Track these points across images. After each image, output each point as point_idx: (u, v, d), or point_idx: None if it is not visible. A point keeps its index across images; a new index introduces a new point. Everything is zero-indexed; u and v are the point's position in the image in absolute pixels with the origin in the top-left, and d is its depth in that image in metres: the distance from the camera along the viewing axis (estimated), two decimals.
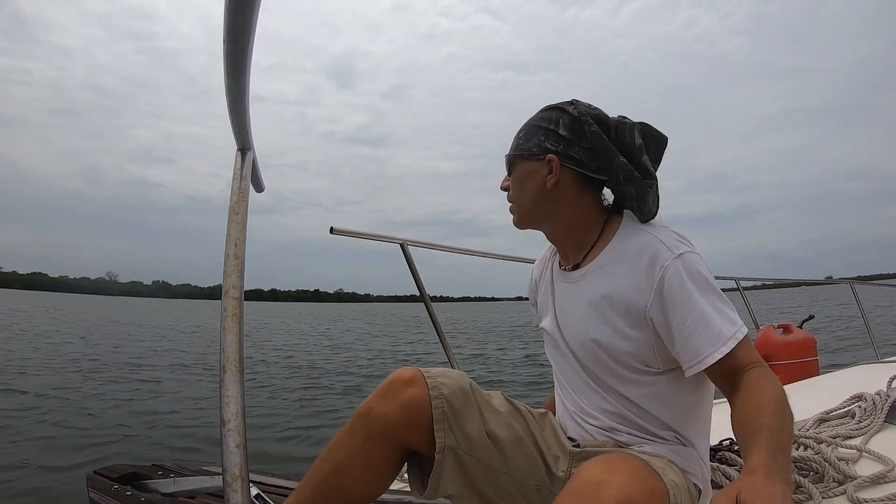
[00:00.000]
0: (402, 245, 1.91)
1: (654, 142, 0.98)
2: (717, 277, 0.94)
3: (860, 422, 1.65)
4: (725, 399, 0.88)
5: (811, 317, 4.59)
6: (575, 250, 1.04)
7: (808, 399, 2.05)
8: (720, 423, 1.07)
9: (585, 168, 0.97)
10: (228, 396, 0.58)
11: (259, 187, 0.90)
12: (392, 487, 1.62)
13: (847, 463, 1.33)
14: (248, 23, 0.54)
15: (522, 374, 9.26)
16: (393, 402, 0.92)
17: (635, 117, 1.00)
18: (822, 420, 1.69)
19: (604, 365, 0.97)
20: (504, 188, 1.08)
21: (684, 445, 0.97)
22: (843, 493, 1.16)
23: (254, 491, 1.38)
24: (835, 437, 1.49)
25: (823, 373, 3.20)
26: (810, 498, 1.13)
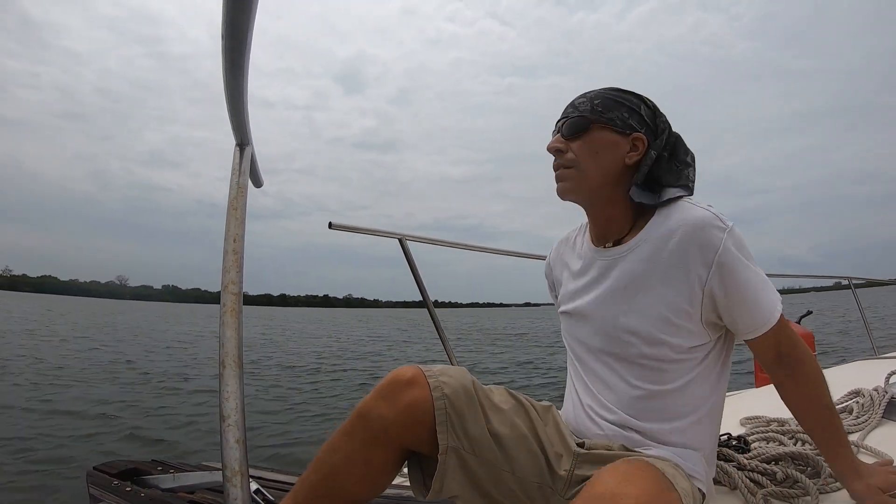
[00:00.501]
0: (400, 240, 1.91)
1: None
2: None
3: (858, 417, 1.66)
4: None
5: (809, 312, 4.60)
6: (617, 230, 1.02)
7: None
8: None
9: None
10: (228, 392, 0.58)
11: (258, 182, 0.90)
12: (392, 484, 1.62)
13: None
14: (247, 18, 0.54)
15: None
16: (393, 403, 0.91)
17: None
18: None
19: (635, 349, 0.95)
20: (555, 149, 1.01)
21: (693, 449, 0.96)
22: (839, 489, 1.16)
23: (253, 486, 1.38)
24: None
25: (821, 368, 3.20)
26: (807, 493, 1.14)
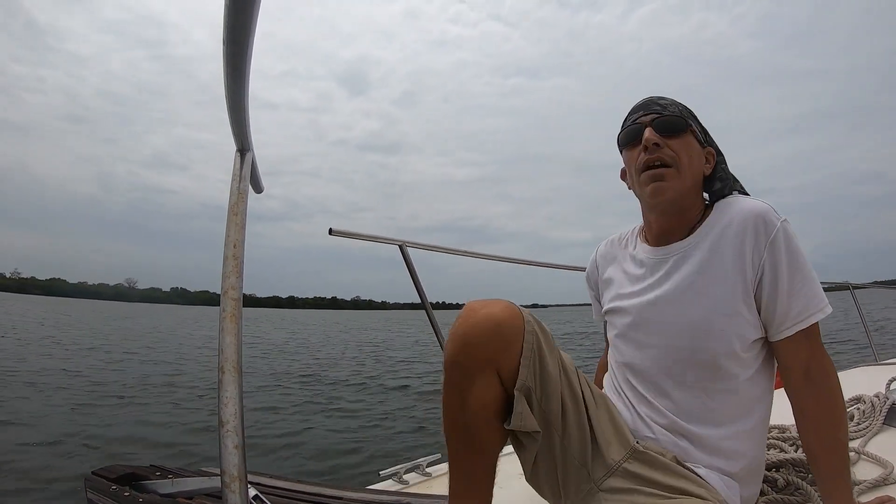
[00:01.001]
0: (400, 247, 1.91)
1: None
2: None
3: (859, 424, 1.65)
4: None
5: None
6: (680, 232, 1.03)
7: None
8: None
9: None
10: (227, 397, 0.58)
11: (258, 188, 0.90)
12: (390, 489, 1.62)
13: None
14: (248, 24, 0.54)
15: None
16: (489, 316, 0.87)
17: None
18: None
19: (698, 343, 0.94)
20: (655, 143, 0.97)
21: (743, 460, 0.94)
22: None
23: (252, 492, 1.38)
24: None
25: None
26: (808, 500, 1.13)
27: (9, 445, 4.57)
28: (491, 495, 0.95)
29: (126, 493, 1.42)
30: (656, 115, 0.99)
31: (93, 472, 1.56)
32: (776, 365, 0.99)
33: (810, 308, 0.91)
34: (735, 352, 0.93)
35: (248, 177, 0.78)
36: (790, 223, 0.92)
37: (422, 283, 1.95)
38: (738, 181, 1.06)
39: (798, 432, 0.96)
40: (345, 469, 4.36)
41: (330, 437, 5.40)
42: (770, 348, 0.97)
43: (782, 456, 1.27)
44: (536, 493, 1.02)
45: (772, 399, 1.00)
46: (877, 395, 1.79)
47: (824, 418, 0.92)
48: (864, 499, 1.16)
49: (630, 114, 1.05)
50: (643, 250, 1.08)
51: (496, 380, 0.89)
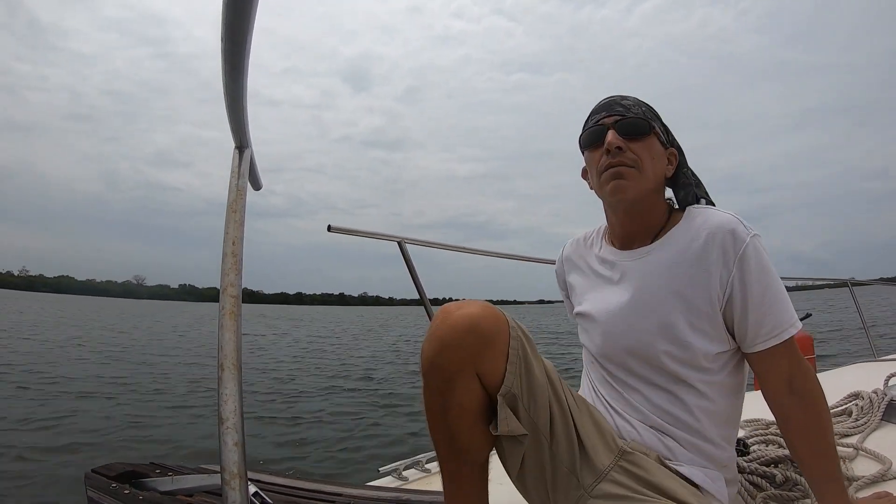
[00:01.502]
0: (399, 243, 1.91)
1: None
2: None
3: (857, 420, 1.66)
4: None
5: (809, 315, 4.59)
6: (647, 236, 1.02)
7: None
8: None
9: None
10: (226, 394, 0.58)
11: (257, 185, 0.90)
12: (390, 486, 1.62)
13: (844, 461, 1.33)
14: (246, 21, 0.54)
15: None
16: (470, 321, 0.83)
17: None
18: None
19: (661, 351, 0.93)
20: (617, 147, 0.96)
21: (719, 461, 0.95)
22: None
23: (252, 489, 1.38)
24: None
25: (820, 371, 3.21)
26: (806, 496, 1.14)
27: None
28: (486, 494, 0.95)
29: (126, 491, 1.42)
30: (619, 117, 0.98)
31: (93, 470, 1.56)
32: (748, 370, 1.00)
33: (782, 324, 0.90)
34: (696, 361, 0.93)
35: (247, 174, 0.77)
36: (760, 237, 0.91)
37: (421, 280, 1.95)
38: (701, 185, 1.05)
39: (785, 441, 0.96)
40: None
41: None
42: (740, 356, 0.97)
43: (780, 452, 1.28)
44: None
45: (743, 398, 1.01)
46: (875, 392, 1.80)
47: (811, 427, 0.92)
48: (862, 494, 1.16)
49: (592, 114, 1.03)
50: (608, 252, 1.07)
51: (477, 383, 0.86)
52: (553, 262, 1.28)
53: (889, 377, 1.89)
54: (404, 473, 1.72)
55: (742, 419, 1.74)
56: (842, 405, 1.81)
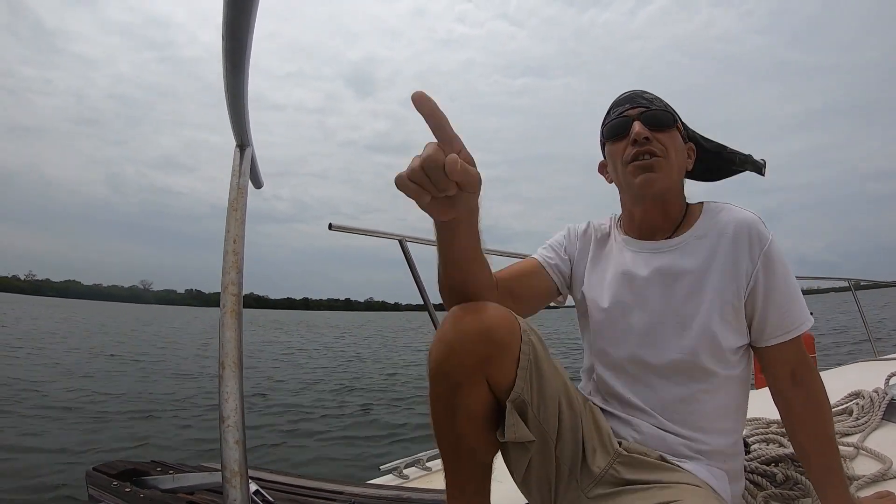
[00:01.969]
0: (400, 241, 1.91)
1: None
2: None
3: (858, 419, 1.66)
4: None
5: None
6: (669, 227, 1.03)
7: None
8: None
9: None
10: (227, 393, 0.58)
11: (258, 183, 0.90)
12: (391, 484, 1.62)
13: (845, 460, 1.33)
14: (247, 20, 0.54)
15: None
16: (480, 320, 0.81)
17: None
18: None
19: (685, 342, 0.93)
20: (645, 138, 0.97)
21: (725, 458, 0.95)
22: None
23: (252, 487, 1.38)
24: None
25: (821, 370, 3.21)
26: (807, 495, 1.14)
27: None
28: (488, 494, 0.95)
29: (127, 489, 1.42)
30: (644, 109, 0.99)
31: (94, 468, 1.57)
32: (753, 367, 1.02)
33: (801, 318, 0.95)
34: (721, 353, 0.94)
35: (248, 172, 0.77)
36: (776, 239, 0.96)
37: (423, 280, 1.94)
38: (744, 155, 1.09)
39: (788, 433, 0.99)
40: None
41: None
42: (750, 352, 1.00)
43: (781, 451, 1.28)
44: None
45: (748, 397, 1.02)
46: (876, 391, 1.79)
47: (814, 417, 0.95)
48: (863, 494, 1.16)
49: (614, 106, 1.04)
50: (629, 243, 1.06)
51: (486, 388, 0.84)
52: None
53: (890, 376, 1.88)
54: (405, 471, 1.72)
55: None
56: (843, 404, 1.81)
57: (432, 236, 0.83)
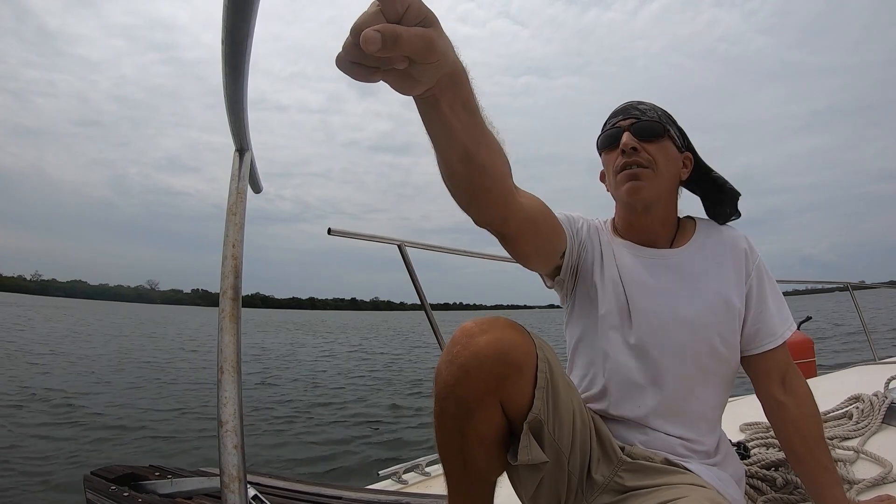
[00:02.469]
0: (399, 246, 1.91)
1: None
2: None
3: (858, 423, 1.65)
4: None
5: (809, 318, 4.60)
6: (666, 236, 1.06)
7: None
8: None
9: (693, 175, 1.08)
10: (226, 397, 0.58)
11: (257, 188, 0.90)
12: (389, 489, 1.62)
13: (845, 464, 1.33)
14: (246, 24, 0.54)
15: None
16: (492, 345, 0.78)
17: None
18: None
19: (710, 348, 0.97)
20: (633, 147, 0.98)
21: (719, 459, 0.98)
22: None
23: (251, 492, 1.38)
24: (832, 439, 1.49)
25: (821, 374, 3.21)
26: (806, 499, 1.13)
27: None
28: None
29: (125, 494, 1.42)
30: (635, 120, 1.01)
31: (92, 472, 1.56)
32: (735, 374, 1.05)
33: (788, 324, 1.02)
34: (721, 355, 0.98)
35: (247, 177, 0.77)
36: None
37: (421, 284, 1.94)
38: (725, 192, 1.09)
39: (780, 436, 1.02)
40: None
41: None
42: (735, 357, 1.02)
43: (781, 455, 1.28)
44: None
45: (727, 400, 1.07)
46: (876, 394, 1.79)
47: (806, 419, 0.99)
48: (863, 497, 1.16)
49: (609, 118, 1.06)
50: (631, 248, 1.05)
51: (499, 412, 0.81)
52: None
53: (890, 380, 1.88)
54: (404, 476, 1.71)
55: (742, 423, 1.74)
56: (842, 408, 1.80)
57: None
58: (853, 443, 1.49)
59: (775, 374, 1.01)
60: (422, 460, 1.78)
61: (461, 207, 0.77)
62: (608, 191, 1.09)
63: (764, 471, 1.24)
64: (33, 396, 6.82)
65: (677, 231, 1.07)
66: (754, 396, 1.07)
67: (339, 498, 1.51)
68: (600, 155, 1.08)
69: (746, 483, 1.19)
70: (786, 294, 1.10)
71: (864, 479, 1.23)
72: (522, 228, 0.85)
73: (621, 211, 1.08)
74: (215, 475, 1.53)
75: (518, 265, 1.02)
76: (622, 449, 0.93)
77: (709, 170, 1.08)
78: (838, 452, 1.38)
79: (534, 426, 0.82)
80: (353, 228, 1.80)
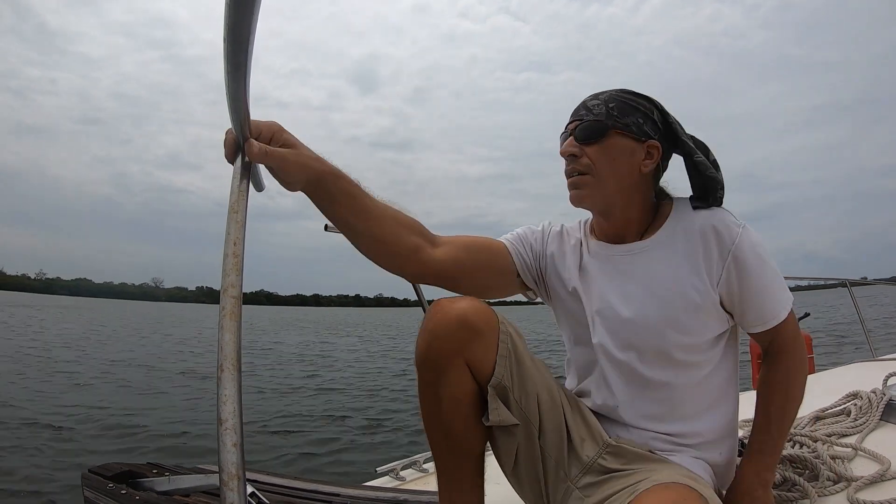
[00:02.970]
0: None
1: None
2: None
3: (856, 420, 1.66)
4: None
5: (807, 314, 4.61)
6: (636, 230, 1.02)
7: (804, 397, 2.07)
8: None
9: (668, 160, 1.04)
10: (226, 395, 0.57)
11: (259, 186, 0.90)
12: (387, 486, 1.62)
13: (842, 461, 1.33)
14: (249, 20, 0.54)
15: None
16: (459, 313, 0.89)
17: None
18: (818, 418, 1.70)
19: (662, 339, 0.95)
20: (570, 154, 0.98)
21: (713, 449, 0.98)
22: (838, 492, 1.16)
23: (249, 489, 1.38)
24: (830, 436, 1.49)
25: (819, 371, 3.22)
26: (805, 496, 1.14)
27: None
28: (482, 493, 0.96)
29: (123, 491, 1.42)
30: (577, 122, 0.98)
31: (90, 470, 1.56)
32: (738, 354, 1.04)
33: (782, 304, 0.96)
34: (695, 346, 0.95)
35: (249, 175, 0.77)
36: (750, 227, 0.95)
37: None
38: (718, 174, 1.01)
39: (759, 398, 1.01)
40: None
41: None
42: (734, 339, 1.02)
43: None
44: None
45: (738, 388, 1.04)
46: (874, 391, 1.80)
47: (788, 385, 0.98)
48: (861, 495, 1.16)
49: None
50: (599, 245, 1.06)
51: (468, 374, 0.89)
52: None
53: (888, 377, 1.89)
54: (402, 473, 1.72)
55: (740, 419, 1.75)
56: (840, 405, 1.81)
57: (452, 234, 0.86)
58: (851, 440, 1.50)
59: (772, 346, 0.99)
60: (419, 457, 1.79)
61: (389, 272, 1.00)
62: None
63: None
64: (89, 417, 5.85)
65: (654, 219, 1.03)
66: (751, 393, 1.08)
67: (337, 495, 1.52)
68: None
69: None
70: (805, 288, 1.07)
71: (862, 477, 1.23)
72: (452, 274, 1.02)
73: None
74: (213, 472, 1.52)
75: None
76: (608, 435, 0.97)
77: (691, 152, 1.00)
78: (836, 450, 1.38)
79: (499, 391, 0.90)
80: None
